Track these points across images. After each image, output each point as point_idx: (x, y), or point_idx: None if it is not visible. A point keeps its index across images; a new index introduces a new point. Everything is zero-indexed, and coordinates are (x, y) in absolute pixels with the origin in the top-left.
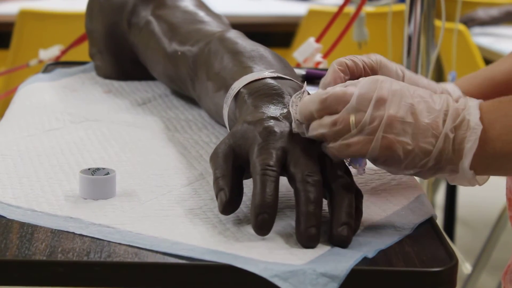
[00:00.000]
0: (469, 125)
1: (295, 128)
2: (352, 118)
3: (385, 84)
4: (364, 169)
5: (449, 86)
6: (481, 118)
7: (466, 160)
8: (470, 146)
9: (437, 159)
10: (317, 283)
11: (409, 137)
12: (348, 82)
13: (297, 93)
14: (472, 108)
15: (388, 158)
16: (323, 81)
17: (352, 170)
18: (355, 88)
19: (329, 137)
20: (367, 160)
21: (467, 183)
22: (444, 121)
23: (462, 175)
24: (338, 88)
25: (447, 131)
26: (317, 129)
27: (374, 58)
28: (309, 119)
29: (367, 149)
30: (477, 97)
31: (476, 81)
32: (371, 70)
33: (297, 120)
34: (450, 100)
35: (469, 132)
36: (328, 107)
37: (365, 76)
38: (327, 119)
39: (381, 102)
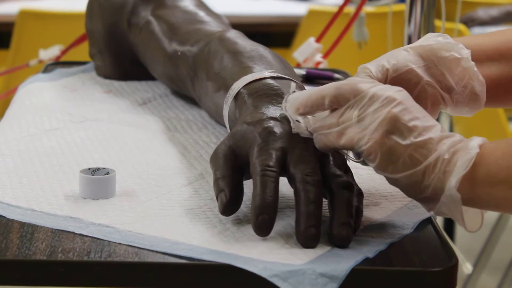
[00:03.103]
0: (467, 148)
1: (294, 128)
2: (356, 112)
3: (401, 92)
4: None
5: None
6: (482, 146)
7: (454, 178)
8: (461, 164)
9: (424, 175)
10: (317, 283)
11: (403, 140)
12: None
13: (288, 95)
14: (475, 139)
15: (373, 152)
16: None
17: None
18: (373, 87)
19: (332, 127)
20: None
21: (451, 212)
22: (443, 143)
23: (448, 196)
24: (352, 79)
25: (443, 150)
26: (326, 120)
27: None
28: (318, 106)
29: (357, 139)
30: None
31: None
32: None
33: (296, 120)
34: (457, 135)
35: (464, 152)
36: (342, 96)
37: None
38: (337, 112)
39: (388, 100)
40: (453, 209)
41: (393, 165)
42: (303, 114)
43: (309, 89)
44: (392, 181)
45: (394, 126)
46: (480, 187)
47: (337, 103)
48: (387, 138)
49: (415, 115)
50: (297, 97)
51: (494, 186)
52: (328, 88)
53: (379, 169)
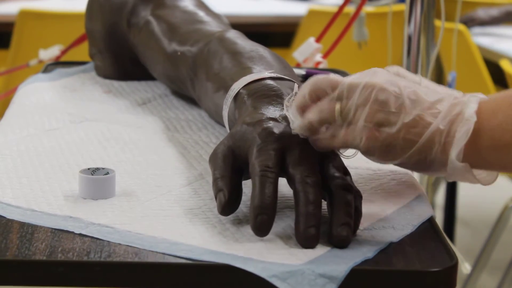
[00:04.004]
0: (463, 117)
1: (294, 129)
2: (338, 106)
3: (379, 74)
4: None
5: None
6: (481, 109)
7: (454, 151)
8: (460, 136)
9: (423, 152)
10: (316, 283)
11: (393, 127)
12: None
13: (289, 96)
14: (471, 102)
15: (369, 149)
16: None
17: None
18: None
19: (315, 125)
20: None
21: (461, 178)
22: (438, 112)
23: (453, 168)
24: (333, 75)
25: (438, 124)
26: (305, 118)
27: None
28: (303, 106)
29: (350, 140)
30: None
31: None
32: None
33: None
34: (451, 94)
35: (462, 123)
36: (319, 89)
37: None
38: (315, 107)
39: (368, 91)
40: (462, 176)
41: (392, 153)
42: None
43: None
44: (397, 165)
45: (380, 117)
46: (485, 152)
47: (316, 97)
48: (378, 132)
49: (398, 93)
50: (290, 105)
51: (500, 149)
52: (305, 85)
53: (380, 161)
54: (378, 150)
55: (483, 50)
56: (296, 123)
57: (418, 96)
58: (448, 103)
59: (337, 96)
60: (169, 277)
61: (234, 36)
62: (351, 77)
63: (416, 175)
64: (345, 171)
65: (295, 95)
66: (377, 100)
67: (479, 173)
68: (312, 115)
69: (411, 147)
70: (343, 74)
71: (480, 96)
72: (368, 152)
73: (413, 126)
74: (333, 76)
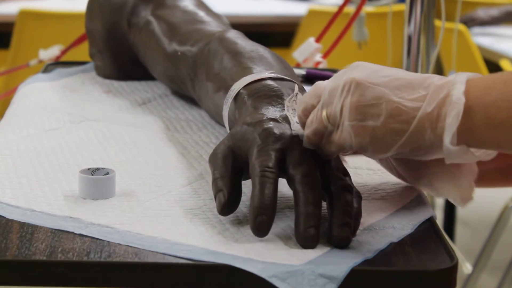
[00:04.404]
0: (451, 99)
1: (294, 130)
2: (324, 113)
3: (357, 69)
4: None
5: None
6: (471, 87)
7: (447, 137)
8: (451, 121)
9: (415, 139)
10: (316, 283)
11: (376, 119)
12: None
13: (290, 96)
14: (458, 83)
15: (361, 146)
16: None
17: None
18: (330, 80)
19: (313, 138)
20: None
21: (462, 160)
22: (422, 96)
23: (448, 152)
24: (318, 83)
25: (426, 109)
26: (304, 133)
27: None
28: (303, 123)
29: (342, 143)
30: None
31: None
32: None
33: (296, 122)
34: (434, 78)
35: (450, 107)
36: (308, 108)
37: None
38: (308, 120)
39: (345, 89)
40: (462, 158)
41: (383, 146)
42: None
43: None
44: (396, 158)
45: (362, 112)
46: (480, 130)
47: (308, 113)
48: (363, 128)
49: (377, 82)
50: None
51: (495, 127)
52: (298, 106)
53: (374, 155)
54: (369, 145)
55: (483, 50)
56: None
57: (399, 83)
58: (433, 85)
59: (322, 104)
60: (169, 277)
61: (234, 36)
62: (332, 78)
63: None
64: (344, 172)
65: (296, 95)
66: (355, 96)
67: (475, 150)
68: (306, 129)
69: (401, 135)
70: None
71: (468, 74)
72: (361, 149)
73: (398, 114)
74: (316, 85)
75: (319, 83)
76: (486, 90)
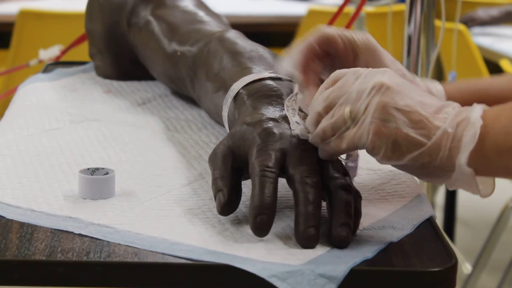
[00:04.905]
0: (469, 121)
1: (294, 130)
2: (347, 109)
3: (386, 74)
4: (356, 170)
5: (433, 85)
6: (484, 115)
7: (463, 156)
8: (468, 140)
9: (429, 155)
10: (315, 283)
11: (401, 125)
12: (350, 70)
13: (290, 96)
14: (476, 108)
15: (375, 146)
16: (294, 59)
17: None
18: (356, 79)
19: (328, 133)
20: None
21: (466, 186)
22: (445, 118)
23: (460, 173)
24: (340, 82)
25: (446, 127)
26: (319, 127)
27: (361, 37)
28: (317, 121)
29: (357, 139)
30: (463, 105)
31: (467, 89)
32: (352, 49)
33: (296, 122)
34: (455, 104)
35: (468, 127)
36: (331, 104)
37: (343, 52)
38: (328, 114)
39: (375, 89)
40: (468, 183)
41: (397, 152)
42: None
43: (309, 114)
44: (400, 168)
45: (388, 113)
46: (489, 157)
47: (330, 110)
48: (384, 128)
49: (406, 94)
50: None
51: (504, 154)
52: (317, 103)
53: (385, 159)
54: (384, 147)
55: (483, 50)
56: (303, 128)
57: (425, 99)
58: (454, 109)
59: (345, 101)
60: (169, 277)
61: (234, 36)
62: (360, 79)
63: None
64: (344, 172)
65: (296, 95)
66: (384, 97)
67: (479, 181)
68: (325, 123)
69: (418, 148)
70: None
71: (483, 106)
72: (374, 149)
73: (421, 127)
74: (343, 85)
75: (338, 72)
76: (496, 117)
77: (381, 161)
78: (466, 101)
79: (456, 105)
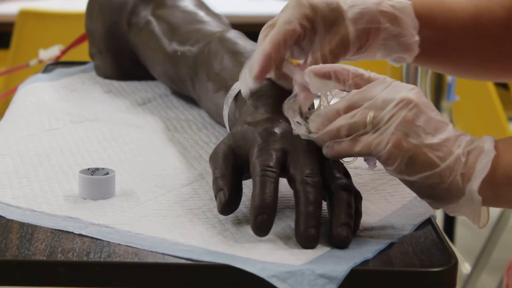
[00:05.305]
0: (482, 150)
1: (295, 130)
2: (371, 114)
3: (414, 91)
4: (375, 164)
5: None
6: (495, 147)
7: (476, 182)
8: (481, 168)
9: (442, 177)
10: (315, 284)
11: (420, 143)
12: (376, 79)
13: (290, 97)
14: (487, 139)
15: (392, 156)
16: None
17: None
18: (383, 88)
19: (343, 132)
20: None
21: (469, 213)
22: (459, 145)
23: (468, 200)
24: (366, 87)
25: (460, 153)
26: (334, 124)
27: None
28: (332, 118)
29: (374, 145)
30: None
31: (437, 7)
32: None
33: (296, 122)
34: (467, 135)
35: (482, 155)
36: (354, 105)
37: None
38: (348, 114)
39: (403, 103)
40: (472, 211)
41: (411, 168)
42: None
43: (324, 109)
44: (407, 183)
45: (411, 129)
46: (499, 187)
47: (350, 111)
48: (405, 142)
49: (430, 115)
50: (314, 119)
51: (510, 186)
52: (340, 102)
53: (397, 172)
54: (399, 160)
55: None
56: (303, 128)
57: (444, 124)
58: (466, 137)
59: (369, 106)
60: (169, 277)
61: (235, 36)
62: (388, 89)
63: None
64: (345, 172)
65: (295, 96)
66: (411, 113)
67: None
68: (343, 121)
69: (431, 168)
70: None
71: (493, 137)
72: (389, 160)
73: (438, 149)
74: (369, 90)
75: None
76: (505, 149)
77: (391, 172)
78: (433, 19)
79: (468, 135)
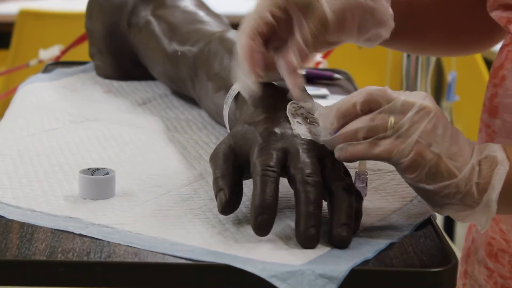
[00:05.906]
0: (496, 160)
1: (295, 130)
2: (392, 119)
3: (428, 99)
4: (365, 190)
5: None
6: (507, 157)
7: (495, 193)
8: (499, 178)
9: (458, 187)
10: (316, 284)
11: (442, 153)
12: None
13: (292, 101)
14: (495, 147)
15: (413, 165)
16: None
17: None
18: (402, 93)
19: (361, 134)
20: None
21: (484, 220)
22: (471, 154)
23: (485, 209)
24: (385, 88)
25: (474, 162)
26: (351, 126)
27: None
28: (348, 113)
29: (396, 151)
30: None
31: None
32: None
33: (297, 122)
34: (471, 141)
35: (498, 165)
36: (373, 101)
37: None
38: (365, 117)
39: (424, 111)
40: (486, 218)
41: (431, 178)
42: (338, 128)
43: (336, 102)
44: (420, 190)
45: (434, 138)
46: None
47: (368, 108)
48: (428, 151)
49: (446, 123)
50: (327, 113)
51: None
52: (358, 94)
53: (415, 180)
54: (420, 169)
55: None
56: (304, 128)
57: (456, 131)
58: (475, 144)
59: (389, 109)
60: (169, 277)
61: (235, 36)
62: (406, 93)
63: None
64: (345, 172)
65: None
66: (432, 122)
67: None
68: (361, 123)
69: (450, 178)
70: (343, 74)
71: (500, 146)
72: (411, 167)
73: (456, 159)
74: (388, 91)
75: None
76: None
77: (410, 180)
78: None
79: (475, 142)
